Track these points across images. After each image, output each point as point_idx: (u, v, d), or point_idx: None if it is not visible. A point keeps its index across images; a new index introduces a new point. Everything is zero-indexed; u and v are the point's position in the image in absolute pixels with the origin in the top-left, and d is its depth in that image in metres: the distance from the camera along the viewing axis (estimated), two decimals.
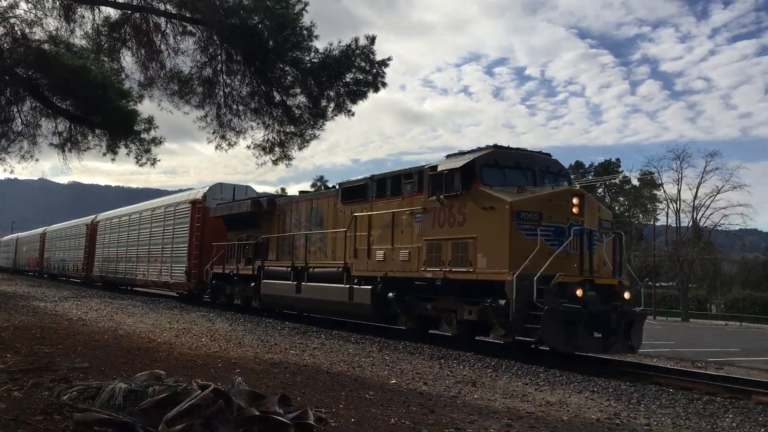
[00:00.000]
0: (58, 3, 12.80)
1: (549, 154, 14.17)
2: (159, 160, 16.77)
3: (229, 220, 22.51)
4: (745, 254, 65.39)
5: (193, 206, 25.06)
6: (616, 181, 62.27)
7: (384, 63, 12.83)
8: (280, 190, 72.71)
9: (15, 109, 16.41)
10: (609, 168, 66.09)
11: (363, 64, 12.70)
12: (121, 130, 15.79)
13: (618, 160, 69.85)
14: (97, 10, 12.73)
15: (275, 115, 13.49)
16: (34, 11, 13.68)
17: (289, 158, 14.48)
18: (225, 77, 13.11)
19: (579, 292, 10.81)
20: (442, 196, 13.05)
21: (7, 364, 7.59)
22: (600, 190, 62.58)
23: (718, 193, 47.85)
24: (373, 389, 7.70)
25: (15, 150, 17.43)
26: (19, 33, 14.04)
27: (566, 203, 11.73)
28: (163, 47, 12.58)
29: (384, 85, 13.02)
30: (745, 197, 70.74)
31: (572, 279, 11.08)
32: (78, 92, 14.75)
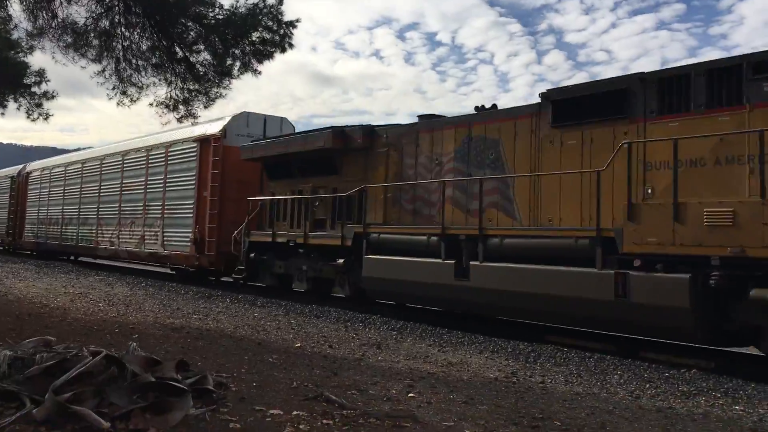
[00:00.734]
0: None
1: None
2: (52, 116, 15.97)
3: (276, 165, 15.77)
4: None
5: (205, 145, 17.54)
6: None
7: (292, 24, 12.55)
8: None
9: None
10: None
11: (270, 23, 12.38)
12: (9, 82, 14.86)
13: None
14: None
15: (178, 71, 12.98)
16: None
17: (195, 116, 14.04)
18: (123, 30, 12.46)
19: None
20: None
21: None
22: None
23: None
24: (277, 353, 7.64)
25: None
26: None
27: None
28: None
29: (291, 46, 12.76)
30: None
31: None
32: None
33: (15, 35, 14.39)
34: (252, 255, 15.34)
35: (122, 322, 9.42)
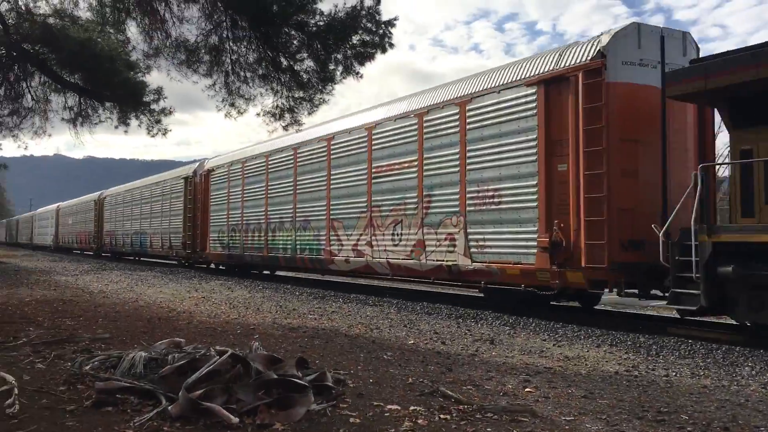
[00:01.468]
0: None
1: None
2: (170, 131, 16.84)
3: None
4: None
5: (557, 88, 11.07)
6: None
7: (391, 23, 12.68)
8: None
9: (24, 85, 16.46)
10: None
11: (369, 24, 12.56)
12: (131, 101, 15.83)
13: None
14: None
15: (283, 80, 13.42)
16: None
17: (299, 123, 14.48)
18: (231, 44, 13.02)
19: None
20: None
21: (30, 338, 7.70)
22: None
23: None
24: (391, 350, 7.75)
25: (27, 126, 17.58)
26: (23, 7, 14.00)
27: None
28: (167, 16, 12.48)
29: (392, 45, 12.89)
30: None
31: None
32: (86, 65, 14.76)
33: (133, 56, 15.33)
34: (723, 268, 8.32)
35: (243, 324, 9.83)
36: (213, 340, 7.86)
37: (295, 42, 12.69)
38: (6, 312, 10.72)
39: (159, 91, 16.55)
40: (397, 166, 14.47)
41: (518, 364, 7.17)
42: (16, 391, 4.89)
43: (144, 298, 13.81)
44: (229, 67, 13.19)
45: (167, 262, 30.65)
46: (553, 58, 11.28)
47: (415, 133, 13.96)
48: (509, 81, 11.93)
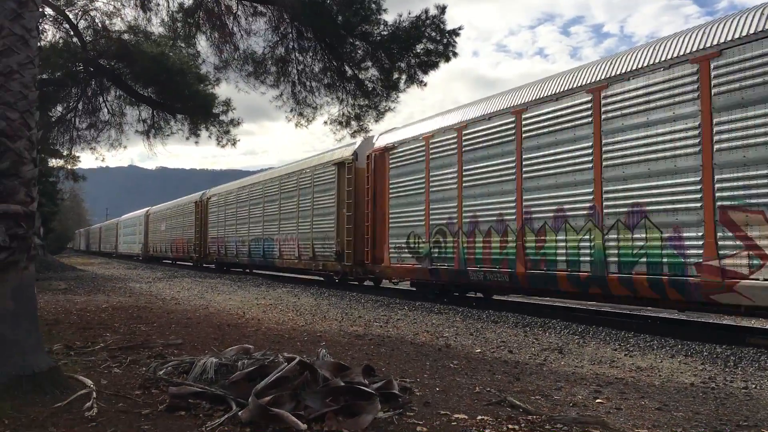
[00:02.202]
0: None
1: None
2: (239, 141, 17.27)
3: None
4: None
5: None
6: None
7: (455, 32, 12.71)
8: None
9: (101, 100, 17.16)
10: None
11: (434, 34, 12.62)
12: (201, 113, 16.31)
13: None
14: None
15: (348, 89, 13.61)
16: (112, 2, 14.19)
17: (366, 131, 14.65)
18: (297, 55, 13.31)
19: None
20: None
21: (107, 343, 7.99)
22: None
23: None
24: (457, 358, 7.69)
25: (104, 139, 18.33)
26: (100, 25, 14.61)
27: None
28: (235, 29, 12.84)
29: (455, 54, 12.92)
30: None
31: None
32: (158, 79, 15.30)
33: (203, 69, 15.81)
34: None
35: (310, 331, 9.94)
36: (281, 346, 7.98)
37: (359, 52, 12.86)
38: (84, 318, 11.15)
39: (228, 103, 17.03)
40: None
41: (588, 374, 7.01)
42: (94, 394, 5.07)
43: (214, 305, 14.14)
44: (296, 78, 13.47)
45: (307, 277, 24.89)
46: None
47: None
48: None
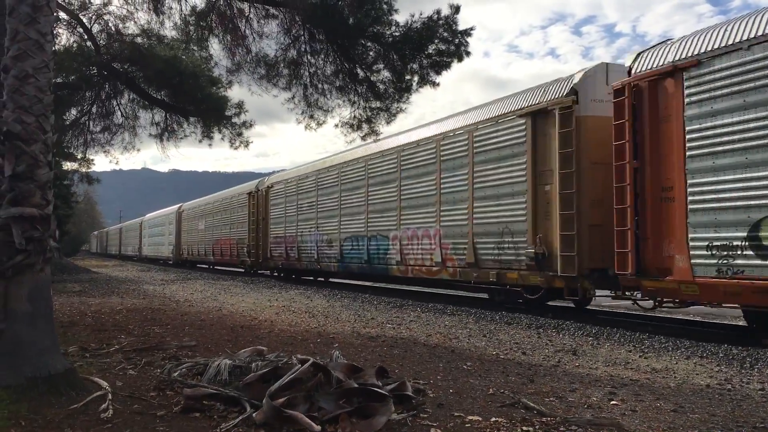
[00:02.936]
0: None
1: None
2: (251, 142, 17.33)
3: None
4: None
5: None
6: None
7: (467, 33, 12.69)
8: None
9: (115, 103, 17.28)
10: None
11: (446, 34, 12.61)
12: (214, 116, 16.37)
13: None
14: (184, 1, 13.20)
15: (360, 91, 13.62)
16: (126, 6, 14.29)
17: (377, 133, 14.66)
18: (309, 57, 13.34)
19: None
20: None
21: (122, 345, 8.04)
22: None
23: None
24: (470, 360, 7.68)
25: (117, 142, 18.45)
26: (113, 29, 14.71)
27: None
28: (247, 32, 12.89)
29: (468, 54, 12.91)
30: None
31: None
32: (171, 82, 15.38)
33: (216, 72, 15.89)
34: None
35: (323, 332, 9.96)
36: (294, 348, 7.99)
37: (371, 53, 12.88)
38: (99, 320, 11.22)
39: (240, 105, 17.09)
40: None
41: (603, 375, 6.97)
42: (109, 396, 5.11)
43: (227, 306, 14.19)
44: (308, 80, 13.50)
45: (458, 293, 17.54)
46: None
47: None
48: None
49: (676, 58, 9.62)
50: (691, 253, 9.20)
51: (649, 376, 7.00)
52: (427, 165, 15.32)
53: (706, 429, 4.78)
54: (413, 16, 12.35)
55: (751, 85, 8.56)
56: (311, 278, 24.82)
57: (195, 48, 14.70)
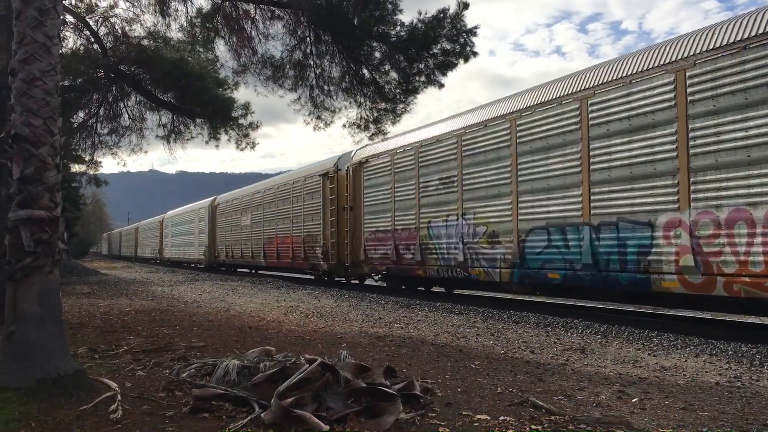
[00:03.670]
0: None
1: None
2: (258, 143, 17.36)
3: None
4: None
5: None
6: None
7: (472, 32, 12.66)
8: None
9: (122, 105, 17.34)
10: None
11: (451, 33, 12.59)
12: (220, 117, 16.41)
13: None
14: (189, 3, 13.23)
15: (366, 93, 13.62)
16: (132, 9, 14.35)
17: (384, 133, 14.66)
18: (315, 59, 13.35)
19: None
20: None
21: (131, 346, 8.07)
22: None
23: None
24: (478, 359, 7.67)
25: (125, 144, 18.52)
26: (120, 31, 14.77)
27: None
28: (253, 33, 12.91)
29: (474, 54, 12.89)
30: None
31: None
32: (178, 84, 15.43)
33: (222, 74, 15.93)
34: None
35: (331, 332, 9.97)
36: (302, 348, 8.00)
37: (377, 54, 12.87)
38: (108, 321, 11.27)
39: (247, 106, 17.13)
40: None
41: (611, 374, 6.95)
42: (119, 397, 5.13)
43: (235, 307, 14.21)
44: (314, 81, 13.52)
45: None
46: None
47: None
48: None
49: None
50: None
51: (658, 374, 6.98)
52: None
53: (715, 427, 4.76)
54: (420, 14, 12.36)
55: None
56: (442, 290, 18.23)
57: (201, 50, 14.74)
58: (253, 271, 32.42)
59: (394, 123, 14.36)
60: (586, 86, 11.42)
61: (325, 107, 14.15)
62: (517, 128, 12.82)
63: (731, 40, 9.12)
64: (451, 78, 13.73)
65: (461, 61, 12.78)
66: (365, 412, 4.55)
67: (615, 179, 10.76)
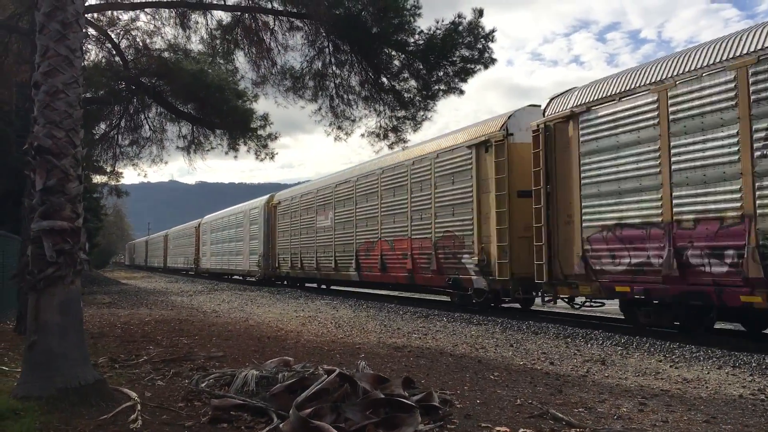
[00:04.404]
0: (173, 12, 13.46)
1: None
2: (277, 154, 17.44)
3: None
4: None
5: None
6: None
7: (489, 37, 12.64)
8: None
9: (143, 117, 17.51)
10: None
11: (469, 39, 12.59)
12: (240, 128, 16.50)
13: None
14: (209, 15, 13.33)
15: (386, 101, 13.63)
16: (153, 22, 14.51)
17: (405, 141, 14.67)
18: (334, 68, 13.40)
19: None
20: None
21: (151, 356, 8.11)
22: None
23: None
24: (497, 370, 7.62)
25: (146, 155, 18.69)
26: (141, 44, 14.94)
27: None
28: (273, 45, 13.01)
29: (493, 61, 12.86)
30: None
31: None
32: (198, 96, 15.56)
33: (241, 85, 16.04)
34: None
35: (349, 343, 9.95)
36: (320, 359, 8.00)
37: (396, 62, 12.89)
38: (128, 331, 11.35)
39: (266, 117, 17.22)
40: None
41: (632, 386, 6.87)
42: (138, 407, 5.15)
43: (254, 317, 14.25)
44: (333, 92, 13.56)
45: None
46: None
47: None
48: None
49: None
50: None
51: (680, 387, 6.88)
52: None
53: None
54: (438, 22, 12.39)
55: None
56: None
57: (221, 61, 14.87)
58: (331, 288, 25.91)
59: (415, 130, 14.36)
60: None
61: (345, 117, 14.18)
62: None
63: None
64: (469, 87, 13.74)
65: (481, 67, 12.77)
66: (384, 424, 4.53)
67: None
